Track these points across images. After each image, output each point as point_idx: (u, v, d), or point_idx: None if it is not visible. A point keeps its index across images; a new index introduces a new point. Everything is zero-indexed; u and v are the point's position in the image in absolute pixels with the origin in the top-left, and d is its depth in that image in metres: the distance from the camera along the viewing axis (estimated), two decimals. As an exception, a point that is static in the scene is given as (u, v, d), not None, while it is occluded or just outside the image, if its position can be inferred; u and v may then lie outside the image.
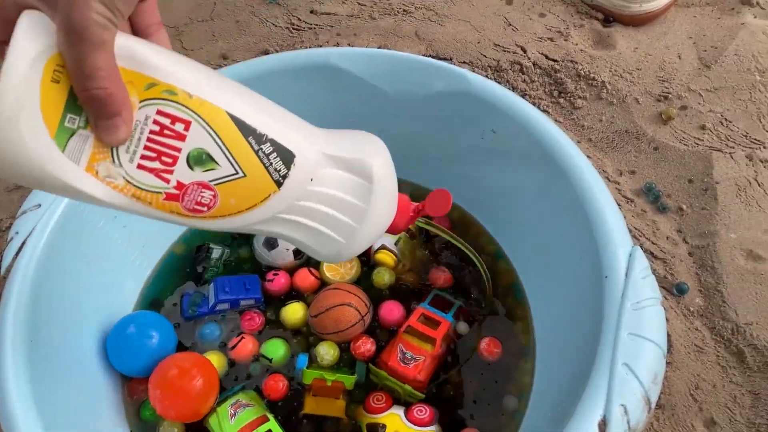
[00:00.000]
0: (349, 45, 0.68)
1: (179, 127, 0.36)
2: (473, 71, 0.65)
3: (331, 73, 0.66)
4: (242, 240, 0.69)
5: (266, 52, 0.69)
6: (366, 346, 0.62)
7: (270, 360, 0.61)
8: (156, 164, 0.36)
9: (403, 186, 0.70)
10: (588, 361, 0.48)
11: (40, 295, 0.53)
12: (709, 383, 0.49)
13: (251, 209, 0.39)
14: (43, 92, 0.33)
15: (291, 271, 0.67)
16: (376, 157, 0.42)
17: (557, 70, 0.67)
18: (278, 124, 0.39)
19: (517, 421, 0.58)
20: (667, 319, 0.52)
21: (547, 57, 0.68)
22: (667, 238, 0.57)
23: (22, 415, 0.47)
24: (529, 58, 0.68)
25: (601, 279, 0.51)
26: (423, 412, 0.58)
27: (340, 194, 0.41)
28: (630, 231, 0.56)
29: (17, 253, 0.54)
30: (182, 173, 0.37)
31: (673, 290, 0.54)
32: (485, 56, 0.68)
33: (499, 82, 0.65)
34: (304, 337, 0.64)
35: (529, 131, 0.61)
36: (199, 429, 0.59)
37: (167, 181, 0.37)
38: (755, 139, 0.62)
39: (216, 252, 0.68)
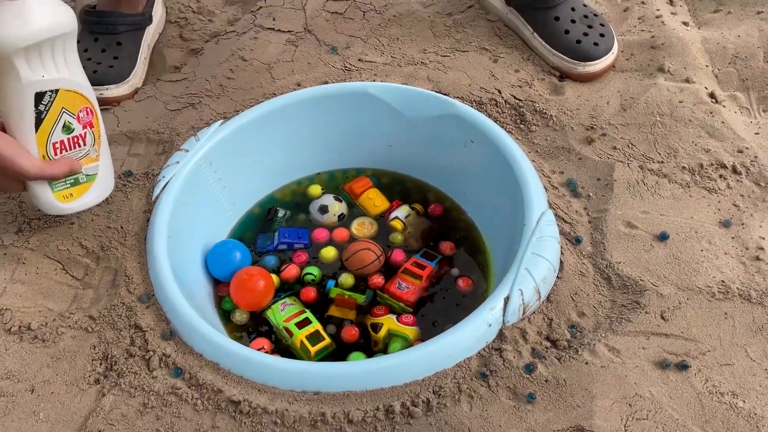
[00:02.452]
0: (381, 81, 1.01)
1: None
2: (463, 102, 0.97)
3: (367, 98, 1.00)
4: (299, 207, 1.02)
5: (326, 83, 1.03)
6: (378, 279, 0.93)
7: (314, 276, 0.92)
8: None
9: (407, 180, 1.01)
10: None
11: (174, 215, 0.86)
12: (585, 293, 0.78)
13: None
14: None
15: (332, 228, 0.99)
16: None
17: (521, 106, 0.99)
18: None
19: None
20: (563, 253, 0.81)
21: (515, 97, 1.00)
22: (576, 212, 0.86)
23: (167, 278, 0.79)
24: (503, 97, 1.00)
25: (522, 226, 0.81)
26: (409, 318, 0.87)
27: None
28: (550, 204, 0.86)
29: (162, 189, 0.88)
30: None
31: (573, 240, 0.83)
32: (472, 94, 1.00)
33: (481, 111, 0.97)
34: (332, 270, 0.95)
35: (493, 140, 0.92)
36: (259, 319, 0.89)
37: None
38: (648, 157, 0.91)
39: (281, 213, 1.00)
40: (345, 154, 1.05)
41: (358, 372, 0.70)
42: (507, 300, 0.74)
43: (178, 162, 0.90)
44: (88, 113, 0.77)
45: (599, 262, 0.81)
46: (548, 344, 0.73)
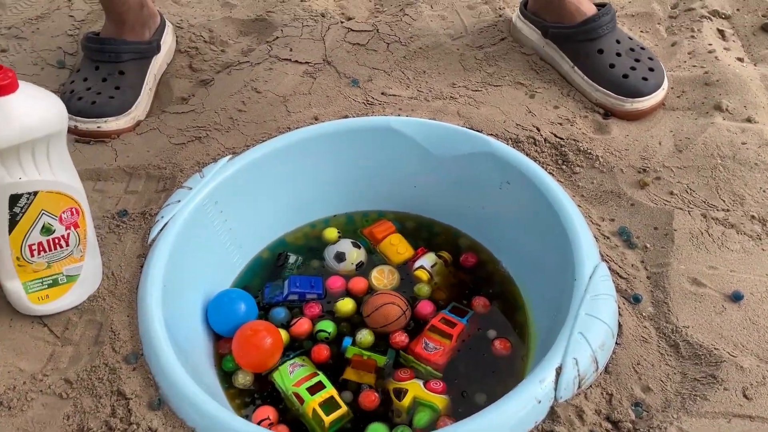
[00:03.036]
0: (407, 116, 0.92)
1: None
2: (497, 140, 0.87)
3: (390, 134, 0.90)
4: (313, 253, 0.91)
5: (346, 117, 0.94)
6: (401, 337, 0.81)
7: (328, 333, 0.81)
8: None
9: (434, 225, 0.90)
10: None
11: (172, 260, 0.76)
12: (649, 363, 0.66)
13: None
14: None
15: (348, 277, 0.88)
16: None
17: (563, 145, 0.89)
18: None
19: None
20: (620, 314, 0.69)
21: (555, 135, 0.90)
22: (632, 265, 0.75)
23: (158, 334, 0.68)
24: (541, 135, 0.90)
25: (573, 281, 0.70)
26: (438, 384, 0.76)
27: None
28: (603, 257, 0.75)
29: (160, 231, 0.78)
30: None
31: (630, 299, 0.71)
32: (508, 131, 0.90)
33: (518, 150, 0.86)
34: (349, 325, 0.83)
35: (534, 182, 0.81)
36: (264, 381, 0.77)
37: None
38: (711, 204, 0.80)
39: (292, 258, 0.89)
40: (365, 196, 0.95)
41: (381, 457, 0.58)
42: (559, 371, 0.62)
43: (179, 201, 0.80)
44: (73, 213, 0.68)
45: (663, 325, 0.69)
46: (609, 426, 0.61)
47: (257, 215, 0.89)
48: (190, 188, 0.82)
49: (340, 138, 0.90)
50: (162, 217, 0.79)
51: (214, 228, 0.84)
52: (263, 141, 0.89)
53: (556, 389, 0.61)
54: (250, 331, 0.77)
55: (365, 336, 0.81)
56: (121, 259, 0.77)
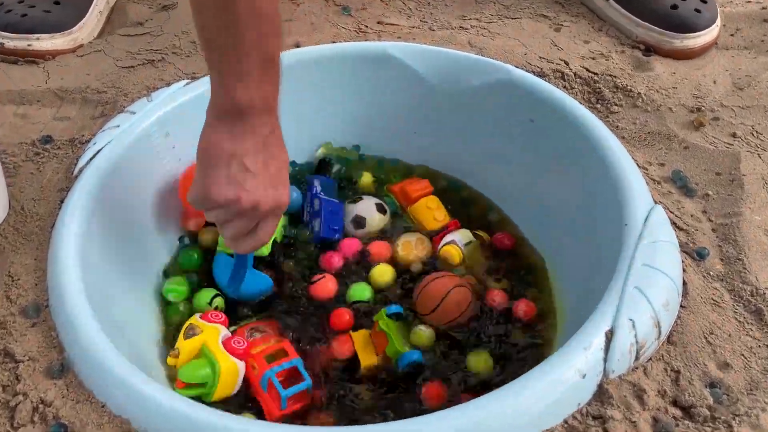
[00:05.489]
0: (407, 44, 0.75)
1: None
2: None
3: (387, 63, 0.74)
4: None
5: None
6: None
7: (367, 301, 0.63)
8: None
9: (439, 180, 0.73)
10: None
11: (103, 198, 0.59)
12: (724, 332, 0.49)
13: None
14: None
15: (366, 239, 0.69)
16: None
17: (596, 81, 0.73)
18: None
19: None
20: (684, 270, 0.53)
21: (587, 70, 0.74)
22: (692, 215, 0.59)
23: (70, 280, 0.51)
24: (571, 69, 0.74)
25: (622, 227, 0.53)
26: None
27: None
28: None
29: (90, 159, 0.61)
30: None
31: (693, 254, 0.55)
32: (530, 64, 0.74)
33: (542, 85, 0.70)
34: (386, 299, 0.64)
35: (567, 117, 0.65)
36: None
37: None
38: (785, 148, 0.64)
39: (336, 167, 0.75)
40: (350, 142, 0.79)
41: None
42: (610, 336, 0.45)
43: (118, 126, 0.64)
44: None
45: (739, 287, 0.53)
46: (678, 412, 0.44)
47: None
48: (134, 113, 0.65)
49: (325, 67, 0.74)
50: (94, 143, 0.62)
51: (163, 165, 0.67)
52: (231, 66, 0.72)
53: (605, 360, 0.45)
54: None
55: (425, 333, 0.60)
56: (36, 191, 0.60)
